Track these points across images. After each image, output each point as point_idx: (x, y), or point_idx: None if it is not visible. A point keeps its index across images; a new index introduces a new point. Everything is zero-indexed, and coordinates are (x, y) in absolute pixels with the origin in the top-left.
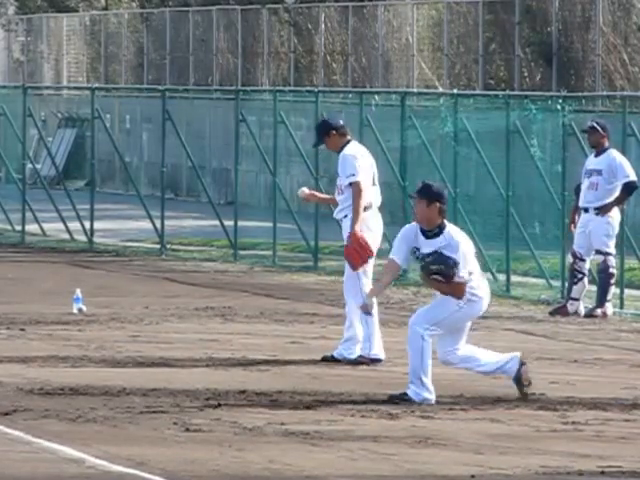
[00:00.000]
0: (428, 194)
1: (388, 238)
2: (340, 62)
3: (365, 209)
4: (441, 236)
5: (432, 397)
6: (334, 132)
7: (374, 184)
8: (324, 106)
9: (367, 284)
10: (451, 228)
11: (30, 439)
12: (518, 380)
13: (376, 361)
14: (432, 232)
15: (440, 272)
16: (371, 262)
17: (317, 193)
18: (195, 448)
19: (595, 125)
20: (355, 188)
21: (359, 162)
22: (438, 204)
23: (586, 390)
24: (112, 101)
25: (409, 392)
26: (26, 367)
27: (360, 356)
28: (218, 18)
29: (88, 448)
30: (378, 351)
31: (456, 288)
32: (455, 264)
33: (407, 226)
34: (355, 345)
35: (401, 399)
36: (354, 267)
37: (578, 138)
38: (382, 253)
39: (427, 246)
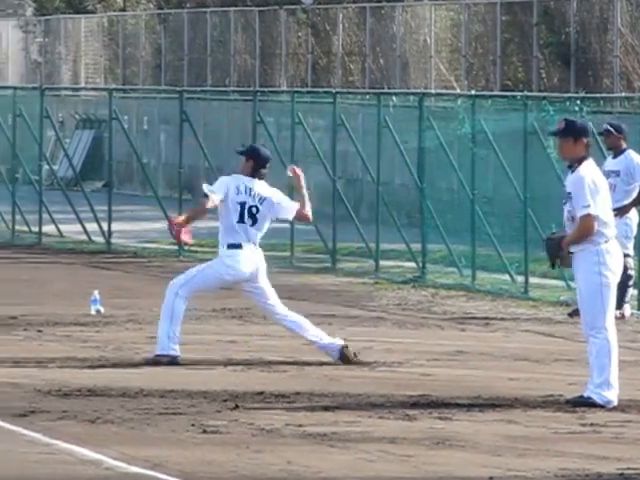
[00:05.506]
0: (574, 130)
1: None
2: (358, 63)
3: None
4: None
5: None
6: (251, 161)
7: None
8: (342, 107)
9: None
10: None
11: (48, 440)
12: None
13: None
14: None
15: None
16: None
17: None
18: (212, 450)
19: (609, 128)
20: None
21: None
22: (584, 139)
23: None
24: (130, 102)
25: (592, 395)
26: (43, 369)
27: None
28: (236, 19)
29: (106, 449)
30: None
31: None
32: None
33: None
34: None
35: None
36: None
37: (596, 139)
38: None
39: None
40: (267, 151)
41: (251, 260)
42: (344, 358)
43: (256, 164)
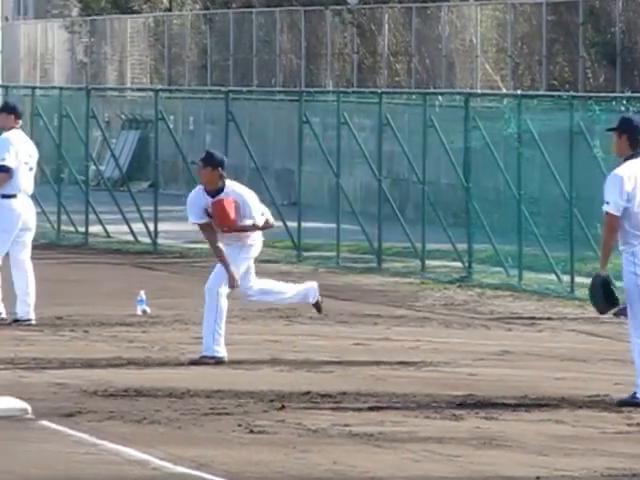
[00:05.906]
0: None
1: None
2: (403, 63)
3: None
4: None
5: None
6: (220, 168)
7: None
8: (388, 107)
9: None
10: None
11: (94, 441)
12: (317, 305)
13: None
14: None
15: None
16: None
17: None
18: (259, 450)
19: None
20: None
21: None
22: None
23: None
24: (175, 102)
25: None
26: (90, 369)
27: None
28: (281, 19)
29: (152, 450)
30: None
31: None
32: None
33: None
34: None
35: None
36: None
37: None
38: None
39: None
40: (219, 153)
41: None
42: (317, 305)
43: (221, 171)
